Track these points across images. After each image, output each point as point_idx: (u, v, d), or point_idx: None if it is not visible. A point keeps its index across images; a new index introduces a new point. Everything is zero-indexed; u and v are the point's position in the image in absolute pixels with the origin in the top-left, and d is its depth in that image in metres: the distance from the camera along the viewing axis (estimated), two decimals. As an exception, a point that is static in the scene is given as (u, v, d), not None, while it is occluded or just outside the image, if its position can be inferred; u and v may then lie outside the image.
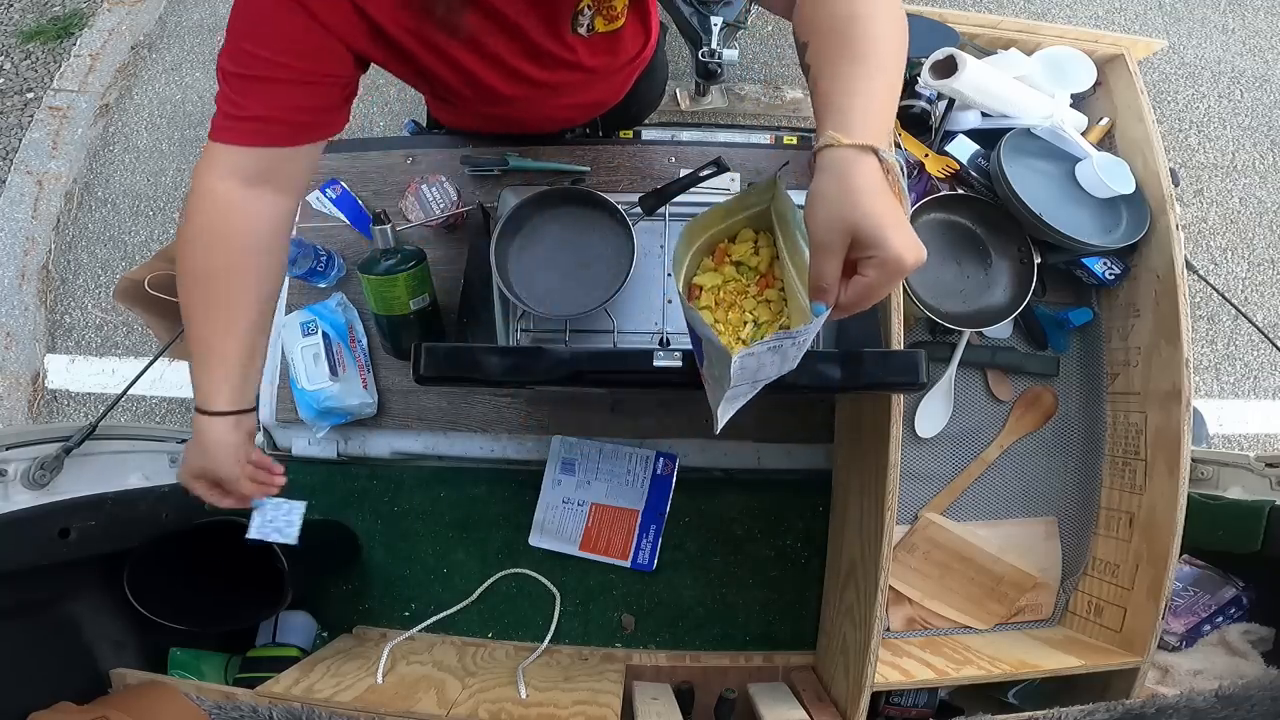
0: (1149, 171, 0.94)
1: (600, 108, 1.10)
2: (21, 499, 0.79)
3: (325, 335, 1.02)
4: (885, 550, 0.80)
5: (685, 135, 1.16)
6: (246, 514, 0.81)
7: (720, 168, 0.84)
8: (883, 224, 0.49)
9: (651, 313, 0.91)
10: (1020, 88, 0.98)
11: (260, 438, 1.08)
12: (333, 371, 1.01)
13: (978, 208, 0.99)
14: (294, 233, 1.10)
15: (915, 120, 1.02)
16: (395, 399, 1.08)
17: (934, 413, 1.02)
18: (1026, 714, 0.74)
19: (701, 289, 0.71)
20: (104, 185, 2.22)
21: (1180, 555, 0.86)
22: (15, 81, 2.37)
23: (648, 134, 1.17)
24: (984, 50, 1.03)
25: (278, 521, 0.81)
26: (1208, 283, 1.18)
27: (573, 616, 1.04)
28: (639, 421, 1.08)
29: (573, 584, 1.05)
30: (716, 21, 1.63)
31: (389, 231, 1.01)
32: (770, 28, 2.24)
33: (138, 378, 0.97)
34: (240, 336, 0.75)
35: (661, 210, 0.90)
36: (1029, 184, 0.93)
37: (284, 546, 0.83)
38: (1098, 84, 1.02)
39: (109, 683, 0.83)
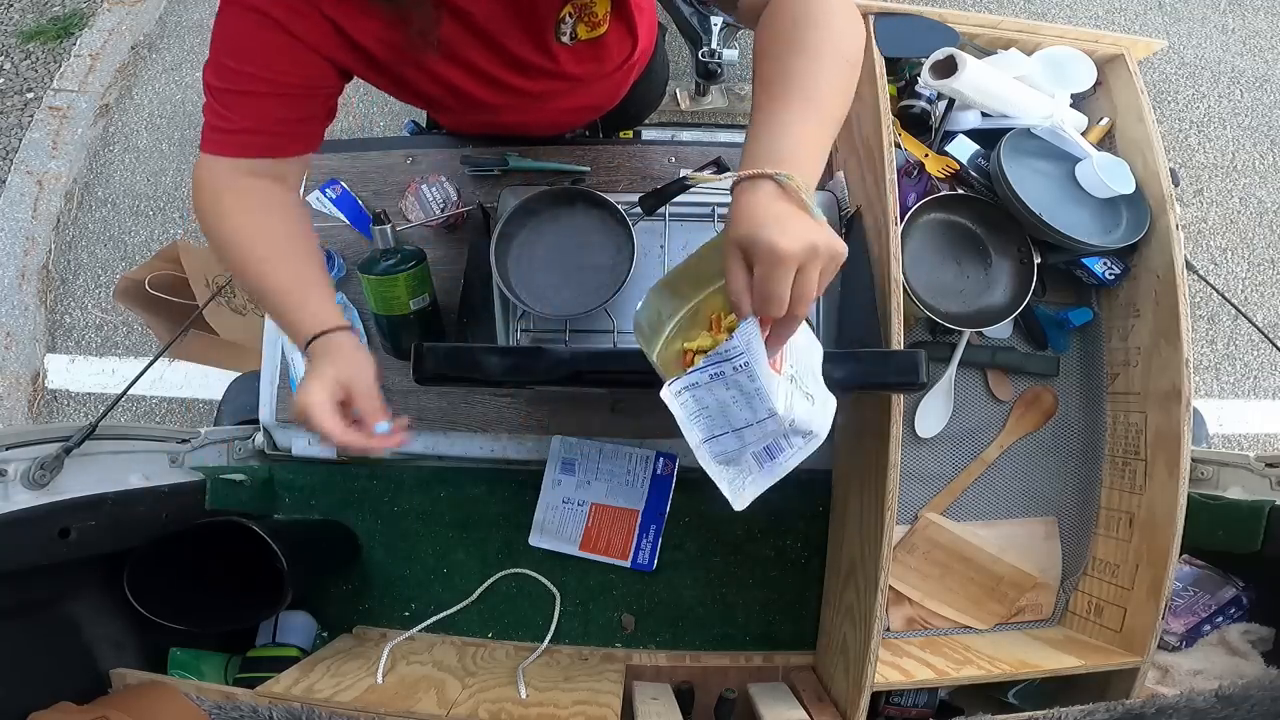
0: (1149, 171, 0.94)
1: (596, 111, 1.10)
2: (21, 499, 0.79)
3: (325, 335, 1.02)
4: (885, 550, 0.80)
5: (685, 135, 1.16)
6: (246, 514, 0.81)
7: (720, 168, 0.84)
8: (758, 224, 0.53)
9: (651, 313, 0.91)
10: (1020, 88, 0.98)
11: (260, 438, 1.08)
12: (333, 371, 1.01)
13: (978, 208, 0.99)
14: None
15: (915, 120, 1.02)
16: (395, 399, 1.08)
17: (934, 413, 1.02)
18: (1026, 714, 0.74)
19: (694, 353, 0.63)
20: (104, 185, 2.22)
21: (1180, 555, 0.86)
22: (15, 81, 2.37)
23: (648, 134, 1.17)
24: (984, 50, 1.03)
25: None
26: (1208, 283, 1.18)
27: (573, 616, 1.04)
28: (639, 421, 1.08)
29: (573, 584, 1.05)
30: (716, 21, 1.63)
31: (389, 231, 1.01)
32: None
33: (138, 378, 0.97)
34: (319, 263, 0.78)
35: (661, 210, 0.90)
36: (1029, 184, 0.93)
37: (284, 547, 0.83)
38: (1098, 84, 1.02)
39: (109, 683, 0.83)
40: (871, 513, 0.85)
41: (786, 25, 0.63)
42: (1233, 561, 0.95)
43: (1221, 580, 0.96)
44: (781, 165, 0.56)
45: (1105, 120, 1.02)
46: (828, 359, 0.68)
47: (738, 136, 1.16)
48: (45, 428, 0.86)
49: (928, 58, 0.95)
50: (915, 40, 0.96)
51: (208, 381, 1.94)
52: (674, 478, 1.06)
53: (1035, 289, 0.95)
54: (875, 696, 0.84)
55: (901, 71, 1.03)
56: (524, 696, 0.85)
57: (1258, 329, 1.13)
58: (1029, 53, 1.01)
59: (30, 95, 2.34)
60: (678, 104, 2.05)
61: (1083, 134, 1.00)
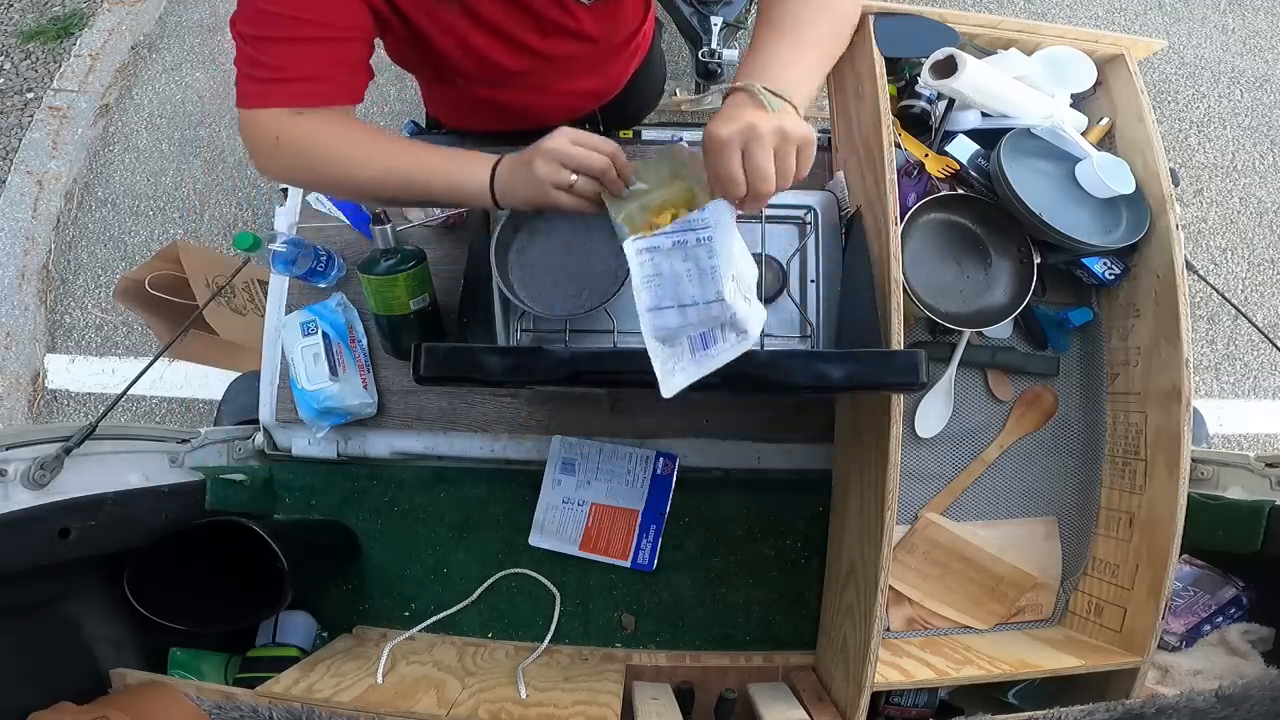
0: (1149, 171, 0.94)
1: (600, 98, 1.09)
2: (21, 499, 0.79)
3: (325, 335, 1.02)
4: (885, 550, 0.80)
5: (685, 135, 1.16)
6: (246, 514, 0.81)
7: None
8: (712, 121, 0.63)
9: (651, 313, 0.91)
10: (1020, 88, 0.98)
11: (260, 438, 1.08)
12: (333, 371, 1.01)
13: (978, 208, 0.99)
14: (294, 232, 1.11)
15: (915, 120, 1.02)
16: (395, 399, 1.08)
17: (934, 413, 1.02)
18: (1026, 714, 0.74)
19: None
20: (104, 185, 2.22)
21: (1180, 555, 0.86)
22: (15, 81, 2.37)
23: (648, 134, 1.16)
24: (984, 50, 1.03)
25: None
26: (1208, 283, 1.18)
27: (573, 616, 1.04)
28: (639, 421, 1.08)
29: (573, 584, 1.05)
30: (716, 21, 1.63)
31: (389, 231, 1.01)
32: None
33: (138, 378, 0.97)
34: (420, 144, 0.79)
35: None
36: (1029, 184, 0.93)
37: (284, 547, 0.83)
38: (1098, 84, 1.02)
39: (109, 683, 0.83)
40: (871, 513, 0.85)
41: None
42: (1233, 561, 0.95)
43: (1221, 580, 0.96)
44: (747, 78, 0.65)
45: (1105, 120, 1.02)
46: (827, 359, 0.70)
47: (738, 136, 1.16)
48: (45, 428, 0.86)
49: (928, 58, 0.95)
50: (915, 40, 0.96)
51: (208, 381, 1.94)
52: (674, 478, 1.06)
53: (1035, 289, 0.95)
54: (875, 696, 0.84)
55: (901, 71, 1.03)
56: (524, 696, 0.85)
57: (1258, 329, 1.13)
58: (1029, 53, 1.01)
59: (30, 95, 2.34)
60: (678, 104, 2.05)
61: (1083, 134, 1.00)
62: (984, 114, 1.01)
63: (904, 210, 0.92)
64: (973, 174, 0.97)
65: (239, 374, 1.42)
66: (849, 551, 0.93)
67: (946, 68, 0.93)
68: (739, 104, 0.64)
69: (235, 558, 0.88)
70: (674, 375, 0.63)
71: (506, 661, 0.97)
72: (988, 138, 0.98)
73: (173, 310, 1.53)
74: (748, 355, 0.66)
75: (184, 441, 1.01)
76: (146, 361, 0.99)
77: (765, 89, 0.64)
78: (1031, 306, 0.99)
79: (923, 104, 1.01)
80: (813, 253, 0.93)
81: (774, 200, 0.94)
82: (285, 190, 1.13)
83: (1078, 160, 0.97)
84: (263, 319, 1.11)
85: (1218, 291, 1.18)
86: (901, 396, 0.81)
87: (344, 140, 0.75)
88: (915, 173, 0.98)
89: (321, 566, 1.03)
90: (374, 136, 0.77)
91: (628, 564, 1.05)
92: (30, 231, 2.15)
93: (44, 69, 2.38)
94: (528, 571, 1.05)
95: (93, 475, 0.87)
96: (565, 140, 0.69)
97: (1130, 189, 0.93)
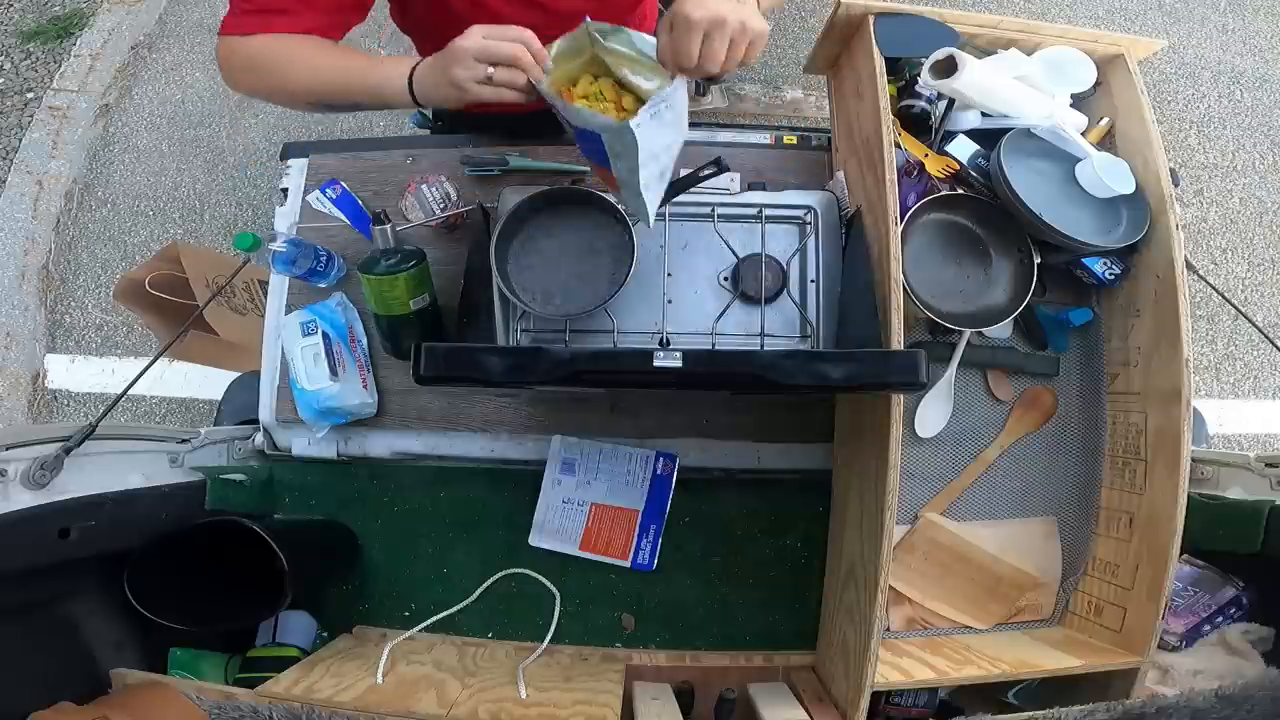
0: (1149, 171, 0.94)
1: None
2: (21, 499, 0.79)
3: (325, 335, 1.02)
4: (885, 550, 0.80)
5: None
6: (247, 514, 0.81)
7: (720, 168, 0.84)
8: (682, 3, 0.68)
9: (651, 313, 0.91)
10: (1020, 88, 0.98)
11: (260, 438, 1.08)
12: (333, 371, 1.01)
13: (978, 208, 0.99)
14: (294, 232, 1.11)
15: (915, 120, 1.02)
16: (395, 399, 1.08)
17: (934, 413, 1.02)
18: (1026, 714, 0.74)
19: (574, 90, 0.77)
20: (104, 185, 2.22)
21: (1180, 555, 0.86)
22: (15, 81, 2.37)
23: (648, 134, 1.17)
24: (984, 50, 1.03)
25: None
26: (1208, 283, 1.17)
27: (573, 616, 1.04)
28: (639, 421, 1.08)
29: (573, 584, 1.05)
30: (716, 21, 1.63)
31: (389, 231, 1.01)
32: (770, 28, 2.24)
33: (138, 378, 0.97)
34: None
35: (661, 210, 0.90)
36: (1029, 184, 0.93)
37: (284, 547, 0.83)
38: (1098, 84, 1.02)
39: (109, 683, 0.83)
40: (871, 513, 0.85)
41: None
42: (1233, 561, 0.95)
43: (1221, 580, 0.96)
44: None
45: (1105, 120, 1.02)
46: (827, 359, 0.71)
47: (738, 136, 1.16)
48: (45, 428, 0.86)
49: (928, 58, 0.95)
50: (915, 40, 0.96)
51: (208, 381, 1.94)
52: (674, 477, 1.06)
53: (1035, 289, 0.95)
54: (875, 696, 0.84)
55: (901, 71, 1.02)
56: (524, 696, 0.85)
57: (1258, 329, 1.13)
58: (1029, 53, 1.01)
59: (30, 95, 2.34)
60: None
61: (1083, 134, 1.00)
62: (984, 114, 1.01)
63: (904, 210, 0.92)
64: (973, 174, 0.97)
65: (239, 374, 1.42)
66: (849, 551, 0.93)
67: (946, 68, 0.93)
68: None
69: (235, 558, 0.88)
70: (650, 206, 0.77)
71: (506, 661, 0.97)
72: (988, 138, 0.98)
73: (173, 310, 1.53)
74: (748, 355, 0.67)
75: (184, 441, 1.01)
76: (146, 361, 0.99)
77: None
78: (1031, 306, 0.99)
79: (923, 104, 1.01)
80: (813, 253, 0.93)
81: (774, 200, 0.95)
82: (285, 190, 1.13)
83: (1078, 160, 0.97)
84: (263, 319, 1.11)
85: (1218, 291, 1.18)
86: (901, 396, 0.81)
87: (287, 54, 0.83)
88: (915, 173, 0.98)
89: (321, 566, 1.03)
90: (315, 49, 0.84)
91: (628, 564, 1.05)
92: (30, 231, 2.15)
93: (44, 69, 2.38)
94: (528, 571, 1.05)
95: (93, 475, 0.87)
96: (477, 35, 0.73)
97: (1130, 189, 0.93)
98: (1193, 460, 0.88)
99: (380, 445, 1.08)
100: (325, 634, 1.04)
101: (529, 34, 0.73)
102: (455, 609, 1.04)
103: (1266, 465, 0.94)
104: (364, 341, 1.07)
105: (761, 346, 0.88)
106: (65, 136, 2.25)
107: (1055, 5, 2.36)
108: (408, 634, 1.00)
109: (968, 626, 0.99)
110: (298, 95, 0.86)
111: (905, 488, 0.99)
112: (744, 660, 1.01)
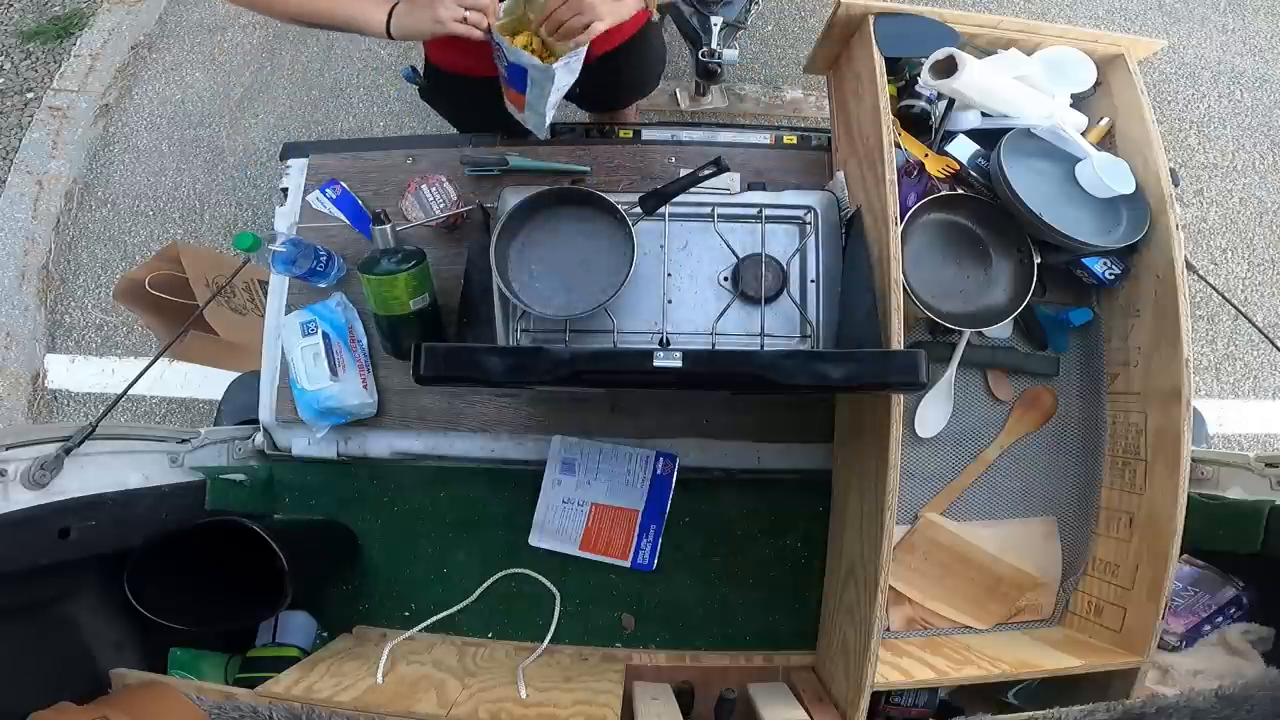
0: (1149, 171, 0.94)
1: (606, 39, 1.03)
2: (21, 499, 0.79)
3: (325, 335, 1.02)
4: (885, 550, 0.80)
5: (685, 135, 1.16)
6: (247, 514, 0.81)
7: (720, 168, 0.84)
8: None
9: (651, 313, 0.91)
10: (1020, 88, 0.98)
11: (260, 438, 1.08)
12: (333, 371, 1.01)
13: (978, 208, 0.99)
14: (294, 232, 1.11)
15: (915, 120, 1.02)
16: (395, 399, 1.08)
17: (934, 413, 1.02)
18: (1026, 714, 0.74)
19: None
20: (104, 185, 2.22)
21: (1180, 555, 0.86)
22: (15, 81, 2.37)
23: (648, 134, 1.17)
24: (984, 50, 1.03)
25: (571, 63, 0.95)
26: (1208, 283, 1.17)
27: (573, 616, 1.04)
28: (639, 421, 1.08)
29: (573, 584, 1.05)
30: (716, 21, 1.63)
31: (389, 231, 1.01)
32: (770, 28, 2.24)
33: (138, 378, 0.97)
34: None
35: (661, 210, 0.90)
36: (1029, 184, 0.93)
37: (284, 547, 0.83)
38: (1098, 84, 1.02)
39: (109, 683, 0.83)
40: (871, 513, 0.85)
41: None
42: (1233, 561, 0.95)
43: (1221, 580, 0.96)
44: None
45: (1105, 120, 1.02)
46: (827, 359, 0.71)
47: (738, 136, 1.16)
48: (45, 428, 0.86)
49: (928, 58, 0.95)
50: (915, 40, 0.96)
51: (208, 381, 1.93)
52: (674, 478, 1.06)
53: (1035, 289, 0.95)
54: (875, 696, 0.84)
55: (901, 71, 1.03)
56: (524, 696, 0.85)
57: (1258, 329, 1.13)
58: (1029, 53, 1.01)
59: (30, 95, 2.34)
60: (678, 104, 2.05)
61: (1083, 134, 1.00)
62: (984, 114, 1.01)
63: (904, 210, 0.92)
64: (973, 174, 0.97)
65: (239, 374, 1.42)
66: (849, 551, 0.93)
67: (946, 68, 0.93)
68: None
69: (235, 558, 0.88)
70: (546, 121, 1.02)
71: (506, 661, 0.97)
72: (988, 138, 0.98)
73: (173, 310, 1.53)
74: (748, 355, 0.67)
75: (184, 441, 1.01)
76: (146, 361, 0.99)
77: None
78: (1031, 306, 0.99)
79: (923, 104, 1.01)
80: (813, 253, 0.93)
81: (774, 200, 0.95)
82: (285, 190, 1.13)
83: (1078, 160, 0.97)
84: (263, 319, 1.11)
85: (1218, 291, 1.18)
86: (901, 396, 0.81)
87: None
88: (915, 173, 0.98)
89: (321, 566, 1.03)
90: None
91: (628, 564, 1.05)
92: (30, 231, 2.15)
93: (44, 69, 2.37)
94: (528, 571, 1.05)
95: (93, 475, 0.87)
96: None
97: (1130, 189, 0.93)
98: (1193, 460, 0.88)
99: (380, 445, 1.08)
100: (325, 634, 1.04)
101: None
102: (455, 609, 1.04)
103: (1266, 465, 0.94)
104: (364, 341, 1.07)
105: (761, 346, 0.88)
106: (65, 136, 2.25)
107: (1055, 5, 2.35)
108: (408, 634, 0.99)
109: (968, 626, 0.99)
110: (285, 11, 0.98)
111: (905, 488, 0.99)
112: (744, 660, 1.01)
